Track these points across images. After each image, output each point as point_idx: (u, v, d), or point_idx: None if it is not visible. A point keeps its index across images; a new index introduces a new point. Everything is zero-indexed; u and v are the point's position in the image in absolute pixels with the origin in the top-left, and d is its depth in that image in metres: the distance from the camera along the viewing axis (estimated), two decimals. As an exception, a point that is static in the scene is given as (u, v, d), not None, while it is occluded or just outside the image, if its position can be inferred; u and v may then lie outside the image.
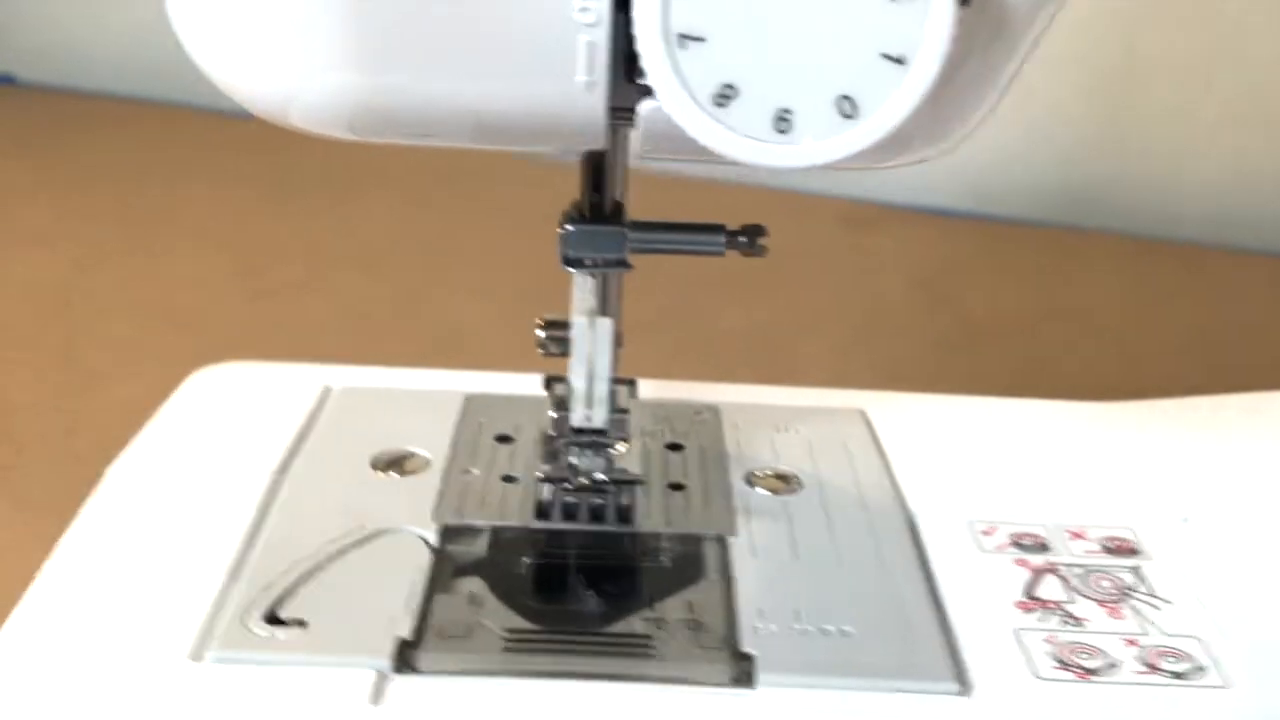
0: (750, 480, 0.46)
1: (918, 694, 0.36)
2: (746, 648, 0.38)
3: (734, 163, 0.30)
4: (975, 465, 0.47)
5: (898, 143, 0.29)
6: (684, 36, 0.28)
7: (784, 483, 0.46)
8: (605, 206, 0.41)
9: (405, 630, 0.38)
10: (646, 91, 0.33)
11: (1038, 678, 0.37)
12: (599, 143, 0.33)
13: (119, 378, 0.73)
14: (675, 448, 0.48)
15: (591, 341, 0.43)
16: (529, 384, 0.50)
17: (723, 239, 0.41)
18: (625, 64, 0.31)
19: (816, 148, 0.29)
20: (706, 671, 0.37)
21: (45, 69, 1.20)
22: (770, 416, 0.50)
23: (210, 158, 1.06)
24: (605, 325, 0.43)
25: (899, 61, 0.28)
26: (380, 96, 0.33)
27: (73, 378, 0.73)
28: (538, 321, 0.44)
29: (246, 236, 0.92)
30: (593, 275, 0.42)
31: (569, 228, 0.40)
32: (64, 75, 1.19)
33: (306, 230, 0.93)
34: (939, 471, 0.47)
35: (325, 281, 0.85)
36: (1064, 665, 0.38)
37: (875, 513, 0.44)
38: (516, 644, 0.38)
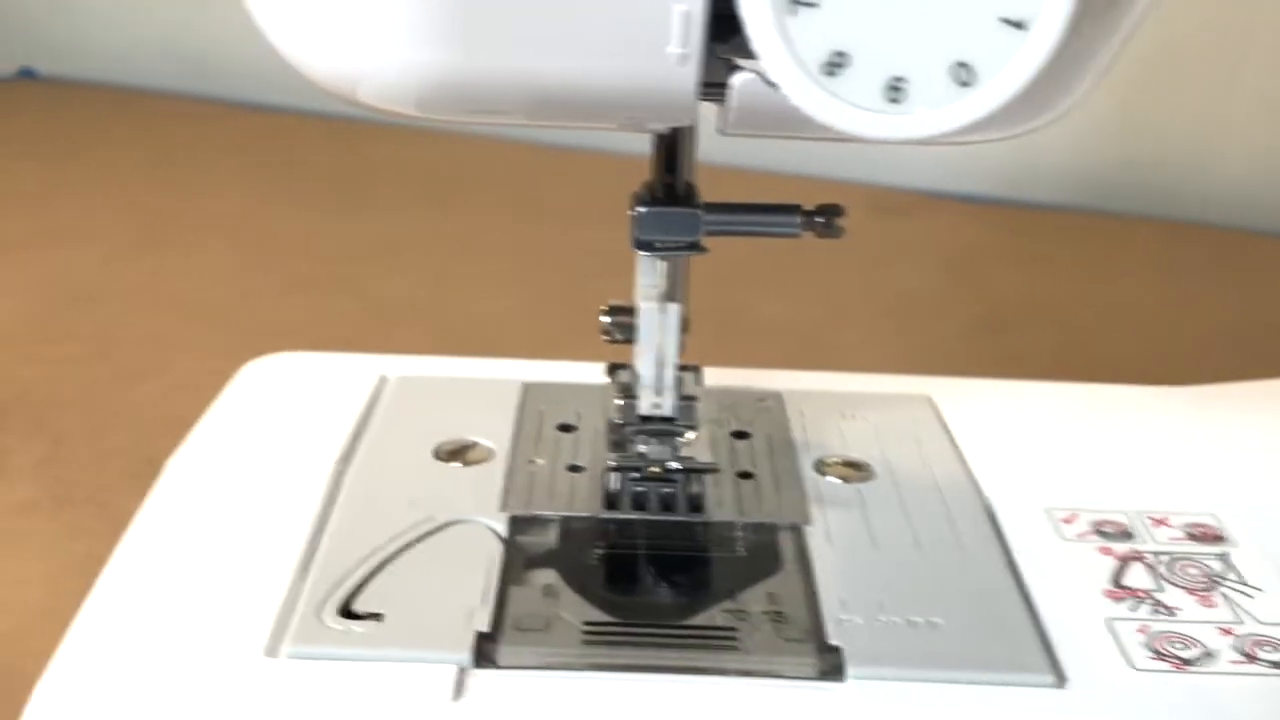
0: (820, 468, 0.44)
1: (1014, 687, 0.35)
2: (833, 640, 0.36)
3: (838, 136, 0.29)
4: (1048, 451, 0.46)
5: (1010, 112, 0.28)
6: (794, 1, 0.26)
7: (855, 470, 0.44)
8: (678, 188, 0.39)
9: (484, 623, 0.36)
10: (734, 64, 0.31)
11: (1134, 668, 0.36)
12: (687, 118, 0.32)
13: (152, 372, 0.72)
14: (741, 435, 0.46)
15: (661, 327, 0.41)
16: (586, 372, 0.49)
17: (799, 220, 0.39)
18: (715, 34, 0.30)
19: (930, 117, 0.27)
20: (793, 665, 0.36)
21: (65, 63, 1.18)
22: (835, 403, 0.48)
23: (233, 152, 1.05)
24: (674, 310, 0.42)
25: (1018, 26, 0.26)
26: (458, 73, 0.32)
27: (106, 372, 0.71)
28: (602, 307, 0.43)
29: (273, 231, 0.90)
30: (662, 258, 0.40)
31: (641, 209, 0.39)
32: (84, 69, 1.17)
33: (331, 225, 0.91)
34: (1012, 458, 0.45)
35: (351, 276, 0.83)
36: (1160, 655, 0.36)
37: (951, 500, 0.43)
38: (596, 636, 0.36)
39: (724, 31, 0.29)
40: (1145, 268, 0.90)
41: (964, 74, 0.27)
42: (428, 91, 0.32)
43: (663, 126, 0.37)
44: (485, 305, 0.80)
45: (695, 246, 0.39)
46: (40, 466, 0.62)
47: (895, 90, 0.27)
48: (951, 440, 0.46)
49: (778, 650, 0.36)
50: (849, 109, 0.27)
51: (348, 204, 0.95)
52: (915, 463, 0.45)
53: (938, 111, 0.27)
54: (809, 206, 0.40)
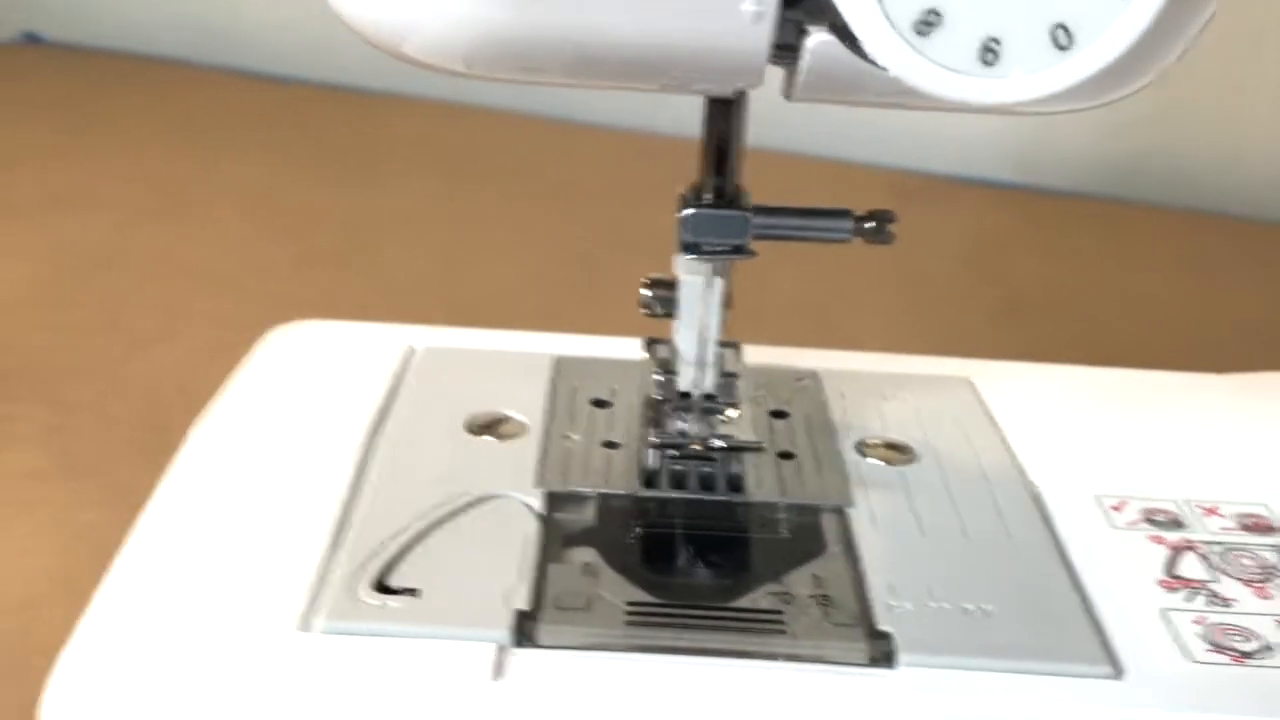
0: (862, 449, 0.43)
1: (1070, 678, 0.34)
2: (882, 625, 0.35)
3: (917, 102, 0.27)
4: (1093, 437, 0.45)
5: (1104, 78, 0.26)
6: (886, -43, 0.25)
7: (898, 453, 0.43)
8: (727, 190, 0.38)
9: (523, 601, 0.35)
10: (803, 26, 0.30)
11: (1192, 660, 0.34)
12: (754, 81, 0.30)
13: (162, 341, 0.70)
14: (780, 415, 0.45)
15: (705, 302, 0.40)
16: (619, 346, 0.48)
17: (850, 225, 0.38)
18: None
19: (1026, 82, 0.26)
20: (843, 650, 0.34)
21: (71, 27, 1.16)
22: (874, 384, 0.47)
23: (247, 122, 1.03)
24: (719, 285, 0.40)
25: (1121, -12, 0.25)
26: (512, 28, 0.30)
27: (116, 341, 0.70)
28: (643, 280, 0.41)
29: (285, 202, 0.89)
30: (707, 261, 0.39)
31: (689, 212, 0.38)
32: (90, 34, 1.15)
33: (345, 197, 0.90)
34: (1057, 443, 0.44)
35: (366, 248, 0.82)
36: (1218, 648, 0.35)
37: (997, 485, 0.41)
38: (639, 617, 0.35)
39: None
40: (1167, 257, 0.89)
41: (1063, 36, 0.25)
42: (479, 47, 0.31)
43: (717, 89, 0.35)
44: (501, 280, 0.79)
45: (742, 250, 0.38)
46: (48, 435, 0.61)
47: (990, 52, 0.26)
48: (994, 423, 0.45)
49: (826, 635, 0.35)
50: (940, 71, 0.26)
51: (362, 176, 0.93)
52: (958, 446, 0.43)
53: (1034, 76, 0.26)
54: (859, 211, 0.38)
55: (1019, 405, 0.46)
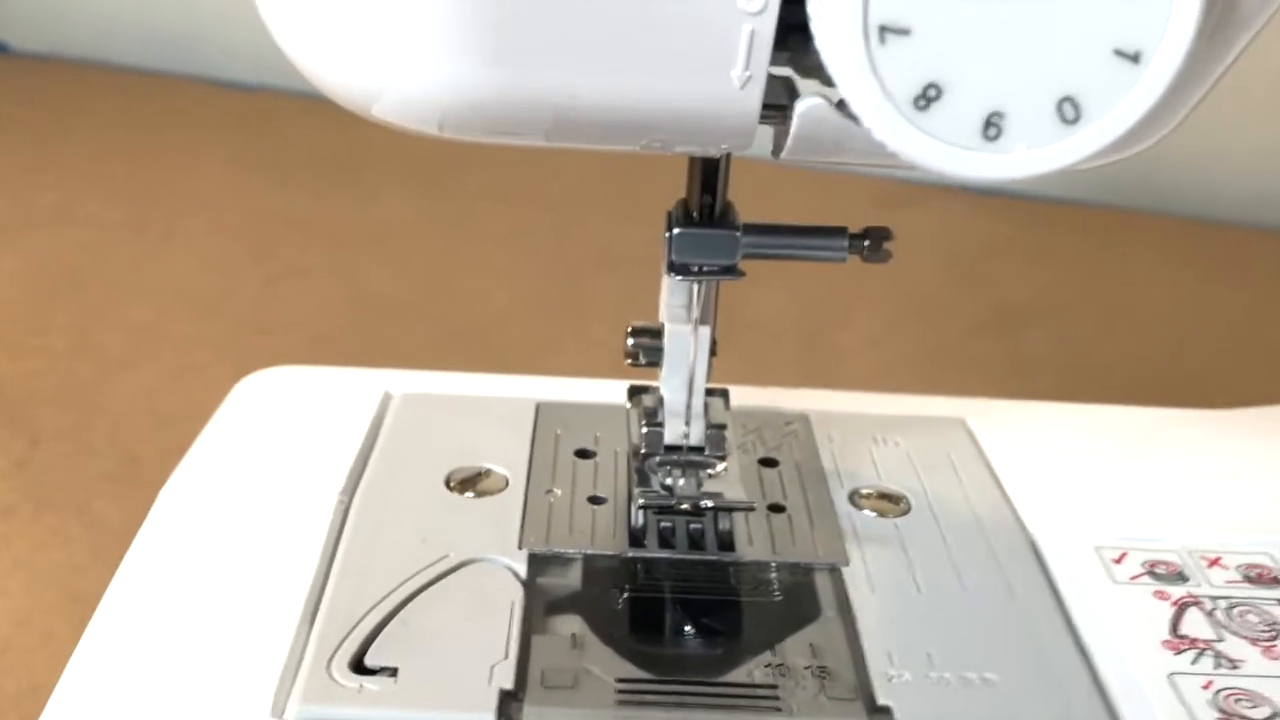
0: (855, 500, 0.41)
1: (1079, 754, 0.32)
2: (882, 700, 0.33)
3: (912, 169, 0.26)
4: (1090, 480, 0.43)
5: (1113, 148, 0.25)
6: (885, 29, 0.23)
7: (892, 503, 0.41)
8: (716, 208, 0.36)
9: (508, 680, 0.33)
10: (793, 86, 0.28)
11: (1201, 731, 0.33)
12: (744, 144, 0.29)
13: (135, 364, 0.69)
14: (769, 463, 0.43)
15: (693, 351, 0.38)
16: (602, 390, 0.46)
17: (845, 243, 0.36)
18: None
19: (1031, 157, 0.24)
20: (841, 727, 0.33)
21: (38, 37, 1.13)
22: (865, 426, 0.45)
23: (215, 132, 1.01)
24: (705, 333, 0.39)
25: (1134, 59, 0.23)
26: (491, 91, 0.28)
27: (87, 364, 0.68)
28: (627, 329, 0.40)
29: (257, 217, 0.87)
30: (697, 282, 0.37)
31: (677, 231, 0.36)
32: (57, 44, 1.12)
33: (319, 211, 0.88)
34: (1053, 488, 0.42)
35: (341, 265, 0.80)
36: (1226, 715, 0.33)
37: (995, 537, 0.40)
38: (629, 695, 0.33)
39: (780, 39, 0.26)
40: (1154, 264, 0.87)
41: (1069, 110, 0.24)
42: (452, 110, 0.29)
43: (703, 151, 0.33)
44: (483, 296, 0.77)
45: (732, 270, 0.36)
46: (18, 468, 0.59)
47: (993, 127, 0.24)
48: (989, 468, 0.43)
49: (824, 711, 0.33)
50: (941, 146, 0.24)
51: (340, 189, 0.91)
52: (953, 494, 0.42)
53: (1039, 151, 0.24)
54: (854, 229, 0.36)
55: (1014, 447, 0.45)
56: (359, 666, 0.33)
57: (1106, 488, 0.43)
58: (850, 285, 0.81)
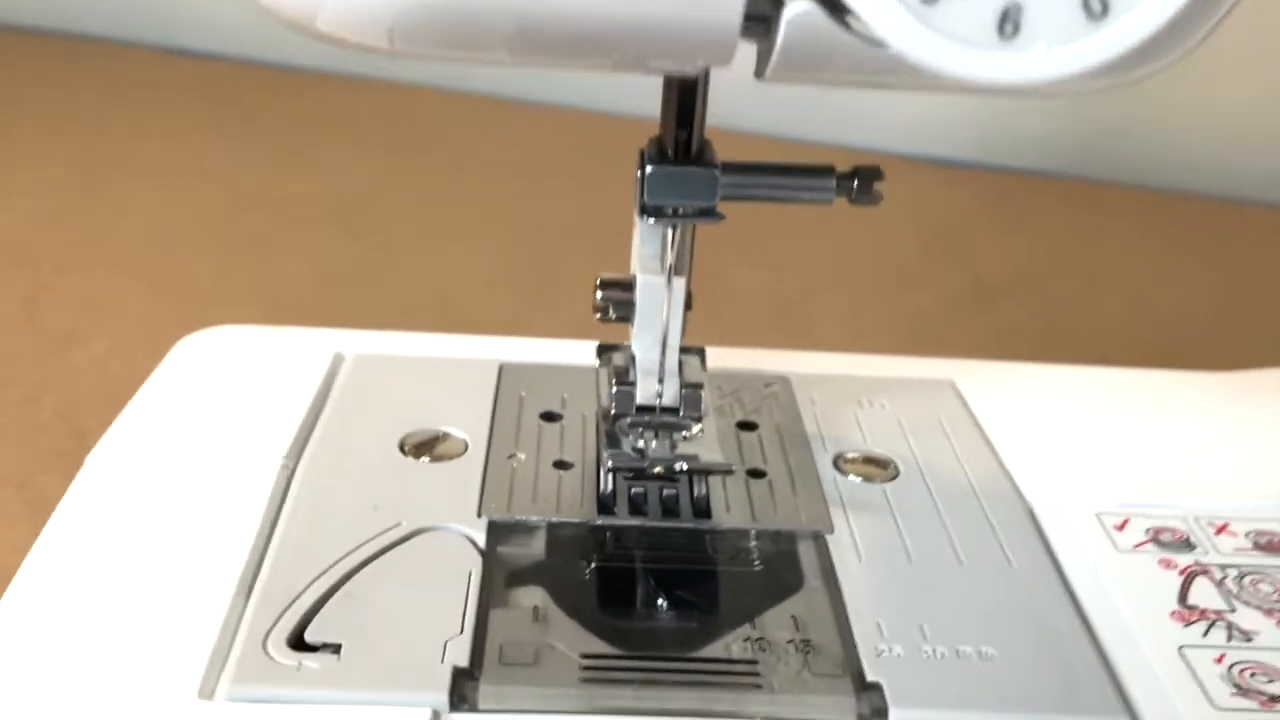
0: (840, 465, 0.38)
1: (1086, 731, 0.29)
2: (872, 675, 0.30)
3: (919, 83, 0.22)
4: (1086, 445, 0.40)
5: (1137, 53, 0.21)
6: (888, -95, 0.20)
7: (879, 468, 0.38)
8: (693, 144, 0.33)
9: (462, 657, 0.30)
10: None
11: (1216, 707, 0.30)
12: (723, 57, 0.25)
13: (85, 338, 0.65)
14: (748, 427, 0.40)
15: (666, 305, 0.35)
16: (570, 351, 0.42)
17: (833, 184, 0.33)
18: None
19: (1052, 57, 0.21)
20: (829, 707, 0.30)
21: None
22: (849, 389, 0.42)
23: (170, 101, 0.97)
24: (680, 285, 0.35)
25: (1169, -57, 0.20)
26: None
27: (35, 339, 0.64)
28: (596, 281, 0.36)
29: (213, 187, 0.83)
30: (672, 226, 0.34)
31: (650, 169, 0.32)
32: (6, 11, 1.08)
33: (277, 181, 0.84)
34: (1049, 452, 0.39)
35: (300, 236, 0.76)
36: (1242, 691, 0.31)
37: (990, 503, 0.37)
38: (595, 673, 0.30)
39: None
40: (1130, 236, 0.85)
41: (1096, 3, 0.20)
42: (406, 18, 0.25)
43: (678, 67, 0.30)
44: (448, 267, 0.73)
45: (710, 213, 0.33)
46: (-39, 446, 0.55)
47: (1009, 22, 0.21)
48: (981, 432, 0.40)
49: (808, 689, 0.30)
50: (952, 45, 0.21)
51: (298, 159, 0.87)
52: (944, 458, 0.39)
53: (1061, 50, 0.21)
54: (843, 169, 0.33)
55: (1006, 410, 0.41)
56: (298, 643, 0.30)
57: (1105, 452, 0.40)
58: (820, 256, 0.78)
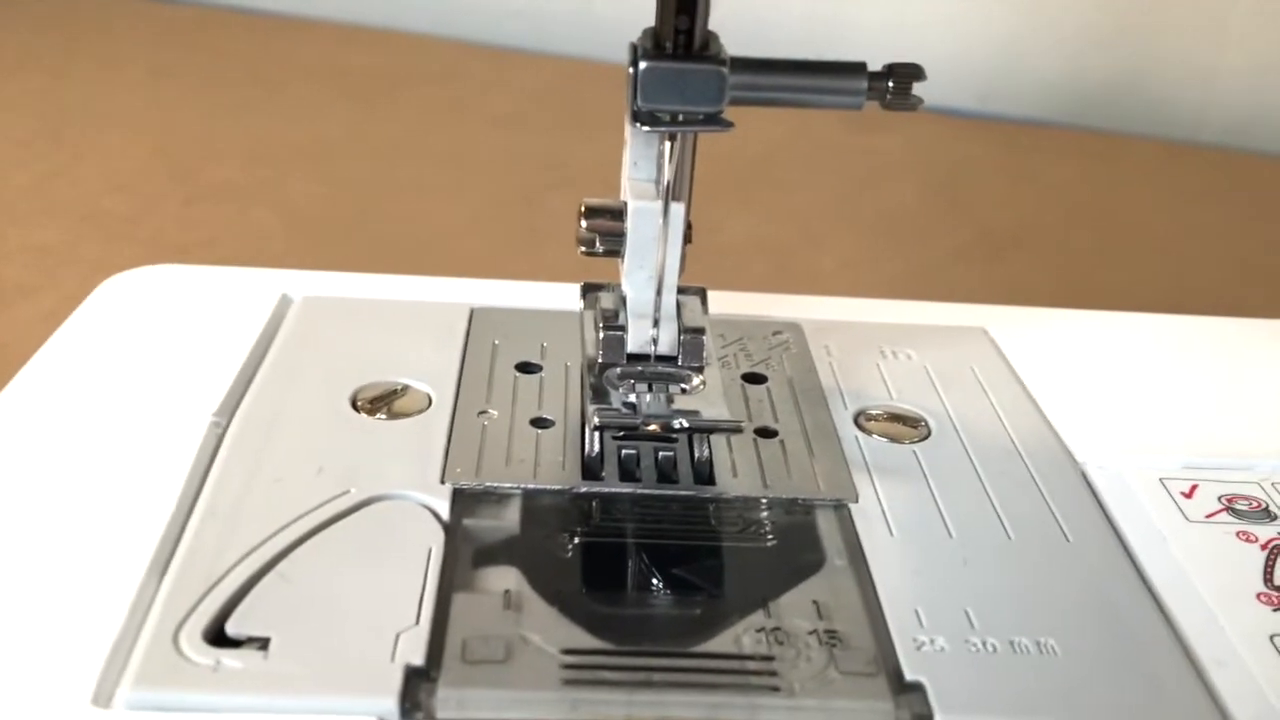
0: (862, 423, 0.32)
1: (1175, 745, 0.23)
2: (911, 674, 0.24)
3: None
4: (1142, 399, 0.34)
5: None
6: None
7: (908, 426, 0.32)
8: (695, 35, 0.26)
9: (417, 653, 0.24)
10: None
11: (1324, 710, 0.24)
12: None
13: (36, 290, 0.59)
14: (755, 379, 0.34)
15: (662, 235, 0.29)
16: (551, 294, 0.36)
17: (864, 84, 0.27)
18: None
19: None
20: (861, 713, 0.24)
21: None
22: (870, 337, 0.36)
23: (135, 45, 0.91)
24: (678, 212, 0.29)
25: None
26: None
27: (-18, 292, 0.58)
28: (580, 208, 0.30)
29: (178, 133, 0.77)
30: (670, 139, 0.28)
31: (643, 65, 0.26)
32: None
33: (243, 127, 0.78)
34: (1100, 409, 0.34)
35: (268, 184, 0.70)
36: (1352, 689, 0.25)
37: (1038, 467, 0.31)
38: (579, 672, 0.24)
39: None
40: (1143, 188, 0.79)
41: None
42: None
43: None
44: (423, 217, 0.67)
45: (716, 120, 0.27)
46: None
47: None
48: (1021, 385, 0.34)
49: (836, 690, 0.24)
50: None
51: (267, 106, 0.81)
52: (982, 415, 0.33)
53: None
54: (876, 67, 0.27)
55: (1048, 361, 0.36)
56: (218, 637, 0.24)
57: (1162, 407, 0.34)
58: (821, 207, 0.72)
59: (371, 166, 0.73)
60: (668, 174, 0.28)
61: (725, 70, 0.26)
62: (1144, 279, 0.67)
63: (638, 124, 0.27)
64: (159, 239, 0.64)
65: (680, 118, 0.27)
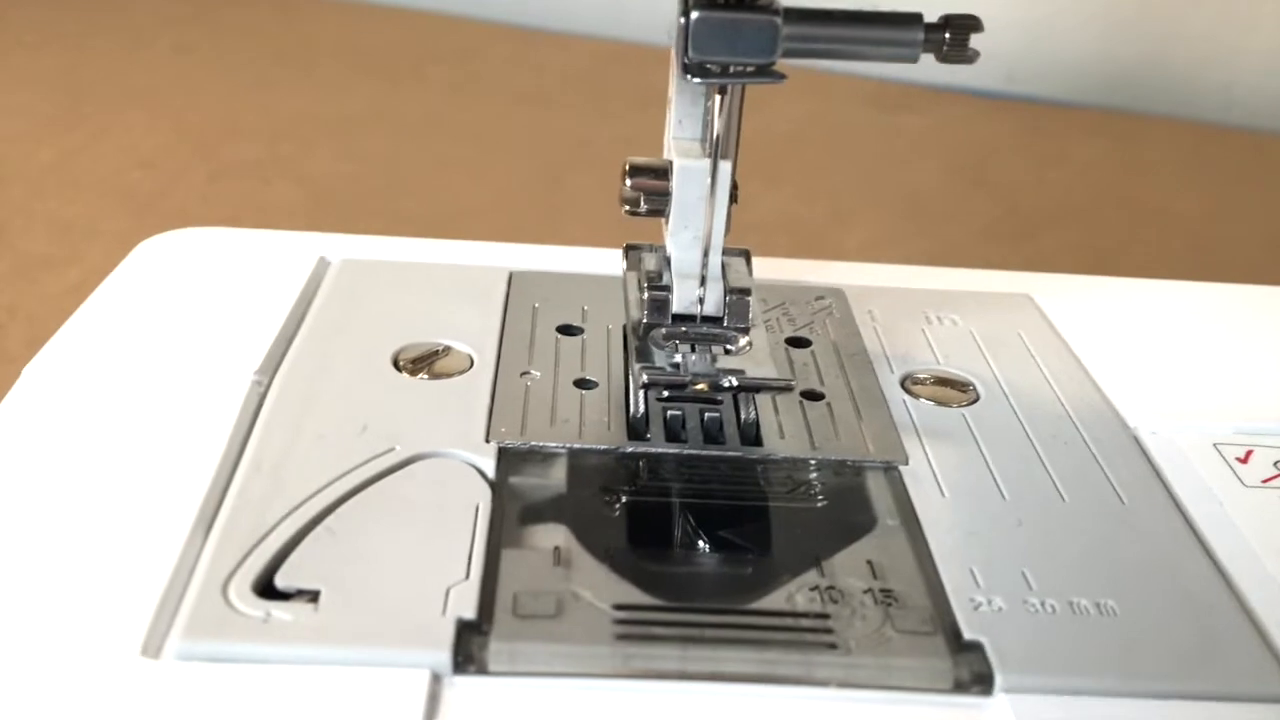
0: (909, 387, 0.32)
1: (1239, 702, 0.23)
2: (970, 634, 0.24)
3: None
4: (1191, 365, 0.34)
5: None
6: None
7: (956, 390, 0.32)
8: (748, -16, 0.26)
9: (469, 607, 0.23)
10: None
11: (1391, 676, 0.24)
12: None
13: (60, 263, 0.59)
14: (799, 343, 0.34)
15: (709, 194, 0.29)
16: (590, 259, 0.36)
17: (920, 36, 0.26)
18: None
19: None
20: (919, 671, 0.23)
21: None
22: (914, 302, 0.36)
23: (159, 21, 0.91)
24: (725, 170, 0.29)
25: None
26: None
27: (5, 265, 0.58)
28: (624, 167, 0.30)
29: (200, 110, 0.77)
30: (720, 92, 0.27)
31: (696, 15, 0.26)
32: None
33: (266, 104, 0.77)
34: (1149, 374, 0.33)
35: (292, 161, 0.70)
36: None
37: (1089, 430, 0.30)
38: (632, 627, 0.24)
39: None
40: (1171, 169, 0.78)
41: None
42: None
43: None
44: (448, 193, 0.67)
45: (768, 72, 0.26)
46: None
47: None
48: (1069, 350, 0.34)
49: (893, 649, 0.24)
50: None
51: (290, 82, 0.81)
52: (1031, 380, 0.32)
53: None
54: (932, 18, 0.27)
55: (1095, 327, 0.35)
56: (267, 589, 0.24)
57: (1212, 373, 0.33)
58: (847, 186, 0.72)
59: (394, 144, 0.73)
60: (717, 128, 0.28)
61: (779, 20, 0.26)
62: (1170, 260, 0.67)
63: (687, 76, 0.26)
64: (182, 214, 0.64)
65: (731, 69, 0.26)
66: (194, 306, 0.33)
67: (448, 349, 0.32)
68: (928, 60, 0.76)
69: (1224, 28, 0.84)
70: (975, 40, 0.27)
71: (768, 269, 0.36)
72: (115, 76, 0.81)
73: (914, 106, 0.84)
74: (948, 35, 0.26)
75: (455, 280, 0.35)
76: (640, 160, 0.30)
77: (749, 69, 0.26)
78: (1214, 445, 0.30)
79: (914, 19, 0.26)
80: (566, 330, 0.33)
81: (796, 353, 0.33)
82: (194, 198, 0.66)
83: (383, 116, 0.77)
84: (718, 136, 0.28)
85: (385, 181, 0.68)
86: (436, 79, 0.82)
